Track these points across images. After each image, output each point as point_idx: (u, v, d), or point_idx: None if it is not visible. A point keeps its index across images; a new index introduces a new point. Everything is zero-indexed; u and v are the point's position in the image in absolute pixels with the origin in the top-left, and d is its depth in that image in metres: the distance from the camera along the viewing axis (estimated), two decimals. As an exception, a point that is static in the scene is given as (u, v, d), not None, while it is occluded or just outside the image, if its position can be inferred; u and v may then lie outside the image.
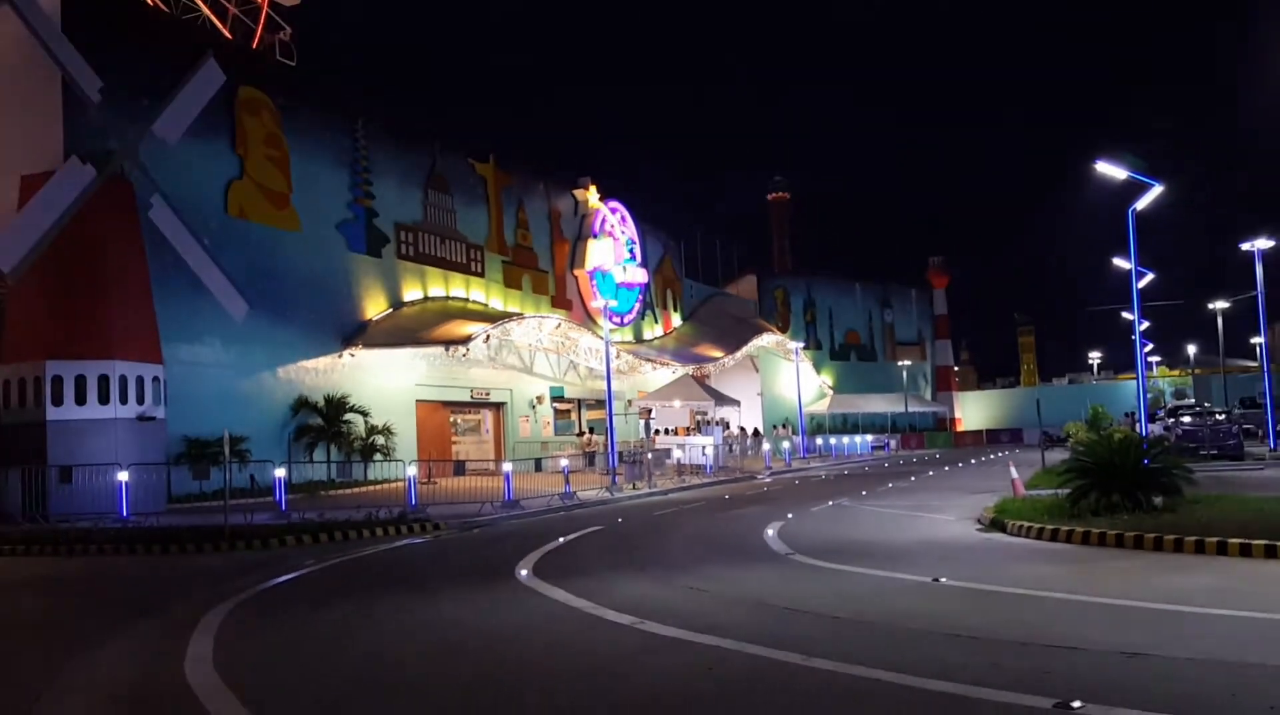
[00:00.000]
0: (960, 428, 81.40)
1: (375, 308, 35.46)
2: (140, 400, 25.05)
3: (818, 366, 71.18)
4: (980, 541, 16.15)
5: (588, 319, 46.73)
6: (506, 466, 25.90)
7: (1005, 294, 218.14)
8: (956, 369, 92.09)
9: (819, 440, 59.22)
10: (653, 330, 54.97)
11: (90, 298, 24.48)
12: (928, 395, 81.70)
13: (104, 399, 24.33)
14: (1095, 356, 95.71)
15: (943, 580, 11.89)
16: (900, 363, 76.26)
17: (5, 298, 25.01)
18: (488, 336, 35.48)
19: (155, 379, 25.59)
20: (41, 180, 23.99)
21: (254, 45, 59.01)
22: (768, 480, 36.87)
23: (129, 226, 25.67)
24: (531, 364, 41.54)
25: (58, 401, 23.89)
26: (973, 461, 45.69)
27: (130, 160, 25.50)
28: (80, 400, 24.08)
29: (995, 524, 17.45)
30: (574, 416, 47.55)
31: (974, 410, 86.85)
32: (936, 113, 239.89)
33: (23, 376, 24.18)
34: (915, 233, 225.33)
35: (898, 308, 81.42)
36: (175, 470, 26.13)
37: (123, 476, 22.58)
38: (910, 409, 73.59)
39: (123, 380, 24.69)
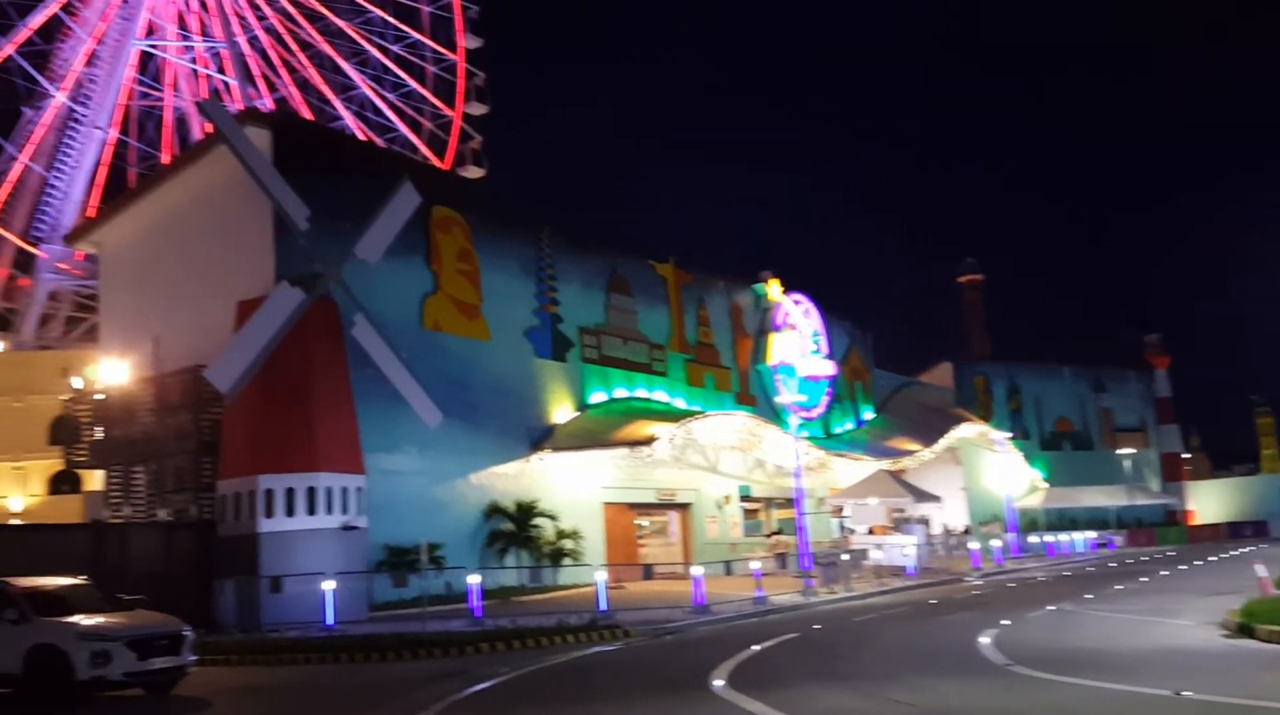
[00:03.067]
0: (1194, 521, 74.52)
1: (561, 411, 35.99)
2: (344, 510, 25.96)
3: (1027, 458, 67.21)
4: (1226, 649, 14.80)
5: (773, 415, 45.90)
6: (696, 570, 25.23)
7: (1237, 373, 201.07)
8: (1187, 456, 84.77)
9: (1033, 538, 55.40)
10: (842, 424, 53.49)
11: (298, 414, 25.79)
12: (1154, 486, 75.47)
13: (311, 510, 25.35)
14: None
15: (1185, 694, 10.89)
16: (1120, 451, 71.07)
17: (223, 417, 26.74)
18: (672, 436, 35.26)
19: (358, 489, 26.53)
20: (255, 305, 25.73)
21: (448, 158, 63.53)
22: (978, 582, 34.59)
23: (334, 344, 27.10)
24: (717, 463, 40.96)
25: (269, 514, 25.07)
26: (1211, 558, 41.52)
27: (335, 281, 27.02)
28: (289, 512, 25.19)
29: (1243, 629, 15.85)
30: (762, 516, 46.42)
31: (1209, 501, 79.33)
32: (1141, 181, 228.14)
33: (238, 491, 25.59)
34: (1127, 311, 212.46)
35: (1114, 392, 76.10)
36: (376, 578, 26.83)
37: (328, 586, 23.24)
38: (1135, 502, 68.11)
39: (328, 491, 25.70)
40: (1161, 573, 34.43)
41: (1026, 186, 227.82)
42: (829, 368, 51.42)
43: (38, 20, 50.13)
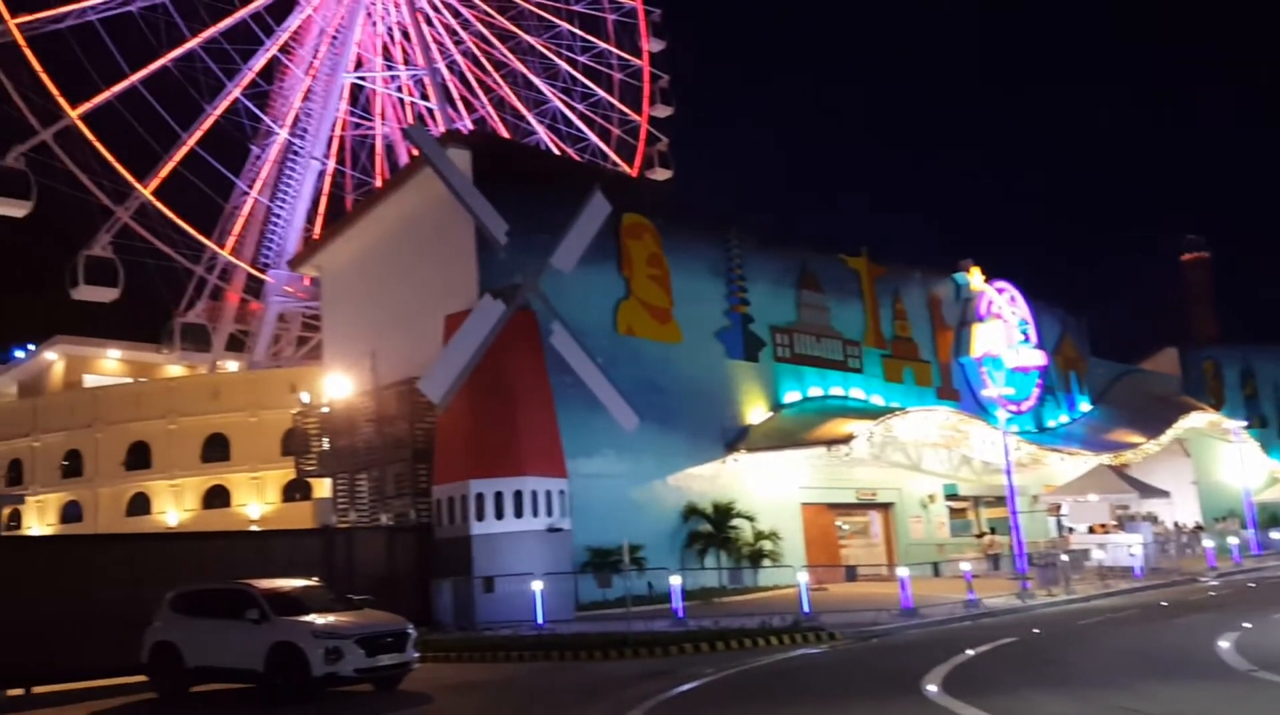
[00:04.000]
0: None
1: (755, 411, 35.79)
2: (549, 512, 26.82)
3: (1265, 447, 61.65)
4: None
5: (979, 409, 44.04)
6: (902, 571, 24.51)
7: None
8: None
9: (1275, 534, 50.75)
10: (1056, 416, 50.76)
11: (504, 420, 26.86)
12: None
13: (519, 512, 26.33)
14: None
15: None
16: (1374, 437, 63.94)
17: (435, 425, 28.16)
18: (870, 434, 34.42)
19: (561, 492, 27.33)
20: (461, 318, 26.95)
21: (636, 162, 65.06)
22: (1213, 583, 32.04)
23: (534, 352, 28.06)
24: (919, 460, 39.66)
25: (480, 516, 26.20)
26: None
27: (533, 292, 27.98)
28: (499, 515, 26.25)
29: None
30: (971, 515, 44.61)
31: None
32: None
33: (451, 495, 26.88)
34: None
35: (1363, 372, 68.69)
36: (581, 578, 27.52)
37: (537, 586, 24.03)
38: (1395, 492, 61.12)
39: (533, 494, 26.62)
40: None
41: (1253, 153, 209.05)
42: (1039, 358, 48.88)
43: (259, 63, 54.44)
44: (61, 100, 45.99)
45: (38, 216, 46.18)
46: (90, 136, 46.59)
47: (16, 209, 45.17)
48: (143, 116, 49.11)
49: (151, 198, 48.47)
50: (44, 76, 45.55)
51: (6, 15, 44.67)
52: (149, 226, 48.75)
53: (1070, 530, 40.06)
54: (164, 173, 49.44)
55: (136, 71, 48.74)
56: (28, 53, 44.96)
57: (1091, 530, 39.06)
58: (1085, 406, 53.80)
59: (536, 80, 63.45)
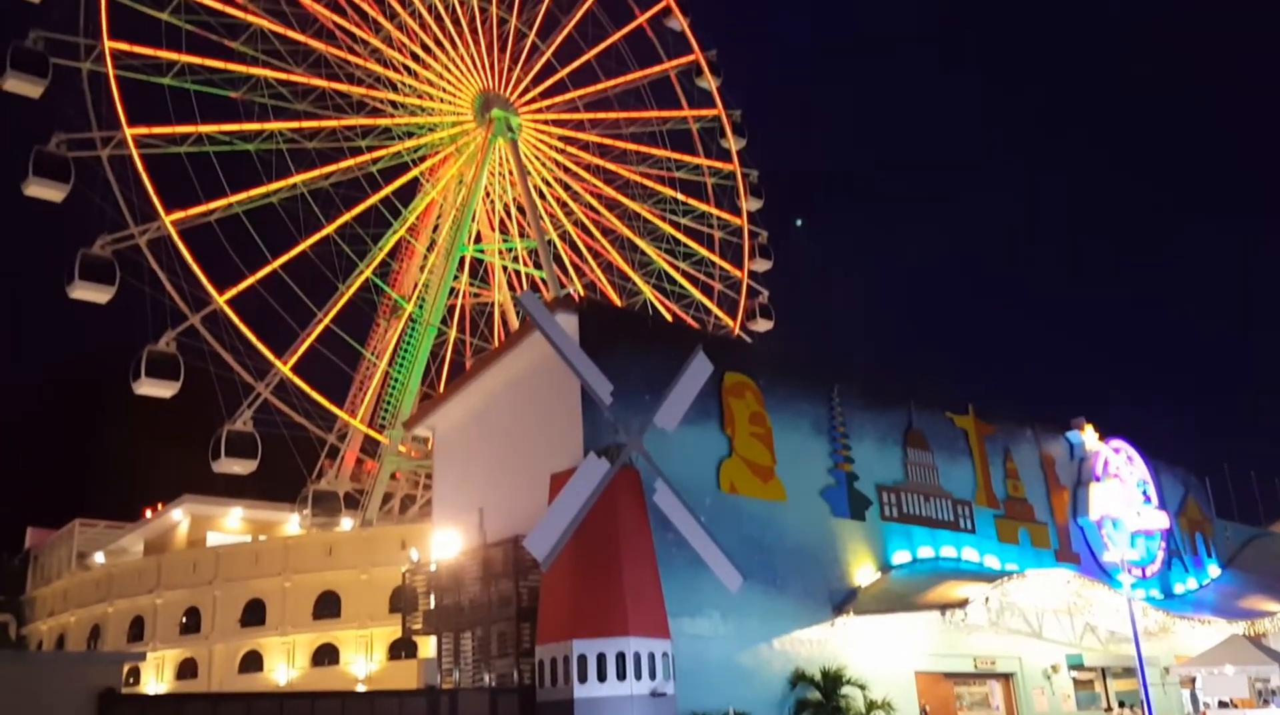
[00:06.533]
0: None
1: (863, 571, 34.98)
2: (652, 675, 26.36)
3: None
4: None
5: (1101, 573, 42.14)
6: (1023, 745, 23.25)
7: None
8: None
9: None
10: (1183, 581, 48.08)
11: (608, 579, 26.87)
12: None
13: (621, 675, 25.96)
14: None
15: None
16: None
17: (540, 584, 28.36)
18: (987, 599, 33.16)
19: (664, 654, 26.93)
20: (566, 477, 27.45)
21: (738, 316, 66.86)
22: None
23: (638, 510, 28.29)
24: (1041, 627, 37.85)
25: (583, 679, 25.92)
26: None
27: (636, 450, 28.44)
28: (601, 677, 25.92)
29: None
30: (1098, 687, 41.98)
31: None
32: None
33: (554, 656, 26.77)
34: None
35: None
36: (689, 748, 26.74)
37: (641, 755, 23.51)
38: None
39: (636, 657, 26.24)
40: None
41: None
42: (1161, 520, 46.88)
43: (388, 243, 57.99)
44: (210, 287, 49.21)
45: (182, 391, 48.93)
46: (235, 319, 49.58)
47: (166, 390, 48.26)
48: (281, 296, 52.16)
49: (290, 374, 50.90)
50: (194, 266, 49.06)
51: (163, 213, 48.86)
52: (286, 400, 51.11)
53: (1206, 705, 37.42)
54: (301, 350, 51.93)
55: (277, 257, 51.88)
56: (180, 245, 48.81)
57: (1228, 704, 36.46)
58: (1214, 571, 50.95)
59: (641, 243, 66.34)
